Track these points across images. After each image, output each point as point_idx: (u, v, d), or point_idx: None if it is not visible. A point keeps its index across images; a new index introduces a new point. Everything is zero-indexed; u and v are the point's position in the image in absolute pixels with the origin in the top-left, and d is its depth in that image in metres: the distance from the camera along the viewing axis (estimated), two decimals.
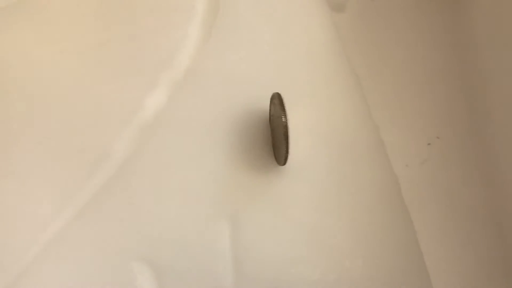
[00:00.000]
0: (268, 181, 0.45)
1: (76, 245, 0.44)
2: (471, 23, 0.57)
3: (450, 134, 0.55)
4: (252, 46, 0.50)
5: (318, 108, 0.47)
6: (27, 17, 0.52)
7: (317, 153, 0.46)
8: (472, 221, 0.51)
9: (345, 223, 0.44)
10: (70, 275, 0.43)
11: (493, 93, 0.54)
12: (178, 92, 0.49)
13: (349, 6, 0.63)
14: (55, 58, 0.50)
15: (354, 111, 0.49)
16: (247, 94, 0.48)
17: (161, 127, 0.48)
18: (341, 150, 0.46)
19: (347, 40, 0.57)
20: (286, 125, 0.41)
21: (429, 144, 0.55)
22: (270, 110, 0.46)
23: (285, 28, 0.51)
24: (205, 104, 0.48)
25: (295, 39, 0.51)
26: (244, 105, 0.48)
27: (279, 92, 0.44)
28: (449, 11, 0.59)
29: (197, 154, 0.46)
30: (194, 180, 0.45)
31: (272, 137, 0.46)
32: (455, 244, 0.50)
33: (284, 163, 0.42)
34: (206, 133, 0.47)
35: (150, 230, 0.44)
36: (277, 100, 0.43)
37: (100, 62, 0.50)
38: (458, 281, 0.48)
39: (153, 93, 0.49)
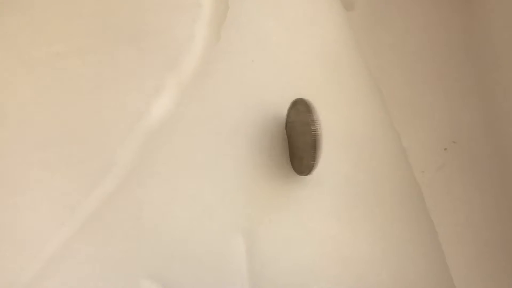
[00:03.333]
0: (286, 191, 0.42)
1: (79, 262, 0.41)
2: (488, 22, 0.55)
3: (467, 137, 0.53)
4: (264, 47, 0.47)
5: (336, 113, 0.45)
6: (21, 14, 0.49)
7: (337, 162, 0.43)
8: (491, 228, 0.50)
9: (368, 234, 0.42)
10: None
11: (510, 95, 0.52)
12: (186, 97, 0.46)
13: (358, 4, 0.60)
14: (52, 60, 0.47)
15: (374, 117, 0.46)
16: (260, 99, 0.45)
17: (168, 134, 0.44)
18: (362, 158, 0.44)
19: (358, 39, 0.54)
20: (316, 133, 0.38)
21: (445, 149, 0.53)
22: (288, 116, 0.43)
23: (299, 28, 0.48)
24: (215, 109, 0.45)
25: (309, 39, 0.48)
26: (257, 110, 0.45)
27: (296, 96, 0.41)
28: (464, 9, 0.57)
29: (208, 163, 0.43)
30: (206, 191, 0.43)
31: (290, 145, 0.43)
32: (477, 251, 0.48)
33: (309, 173, 0.40)
34: (217, 140, 0.44)
35: (160, 246, 0.41)
36: (302, 107, 0.40)
37: (100, 65, 0.46)
38: None
39: (159, 98, 0.46)
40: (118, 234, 0.42)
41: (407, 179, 0.45)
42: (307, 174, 0.40)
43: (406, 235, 0.43)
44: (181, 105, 0.45)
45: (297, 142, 0.41)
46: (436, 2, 0.59)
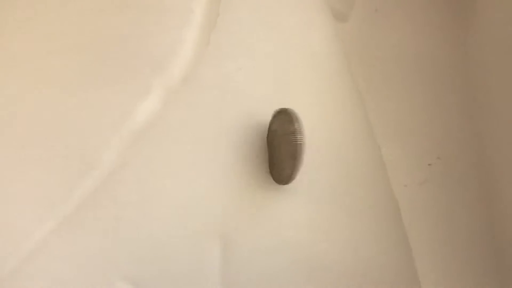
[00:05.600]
0: (264, 199, 0.43)
1: (56, 260, 0.41)
2: (481, 40, 0.55)
3: (452, 154, 0.53)
4: (253, 55, 0.48)
5: (319, 124, 0.45)
6: (12, 13, 0.49)
7: (316, 172, 0.44)
8: (471, 246, 0.50)
9: (344, 246, 0.42)
10: None
11: (500, 113, 0.52)
12: (172, 100, 0.46)
13: (352, 16, 0.61)
14: (43, 58, 0.47)
15: (357, 130, 0.47)
16: (244, 106, 0.46)
17: (153, 137, 0.45)
18: (342, 170, 0.44)
19: (348, 51, 0.55)
20: (297, 143, 0.39)
21: (429, 164, 0.53)
22: (271, 125, 0.43)
23: (288, 39, 0.49)
24: (200, 114, 0.46)
25: (297, 50, 0.48)
26: (241, 117, 0.45)
27: (281, 106, 0.42)
28: (457, 26, 0.57)
29: (190, 167, 0.44)
30: (185, 195, 0.43)
31: (270, 154, 0.44)
32: (452, 269, 0.48)
33: (288, 183, 0.41)
34: (200, 145, 0.45)
35: (137, 248, 0.41)
36: (286, 116, 0.41)
37: (90, 65, 0.47)
38: None
39: (146, 100, 0.46)
40: (96, 233, 0.42)
41: (385, 193, 0.46)
42: (286, 184, 0.41)
43: (381, 248, 0.43)
44: (166, 108, 0.46)
45: (278, 152, 0.42)
46: (429, 19, 0.59)
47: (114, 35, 0.48)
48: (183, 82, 0.47)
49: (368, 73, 0.55)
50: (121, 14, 0.48)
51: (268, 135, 0.44)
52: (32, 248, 0.42)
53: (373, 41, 0.58)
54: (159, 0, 0.49)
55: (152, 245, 0.42)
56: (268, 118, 0.44)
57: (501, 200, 0.50)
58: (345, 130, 0.46)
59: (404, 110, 0.54)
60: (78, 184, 0.43)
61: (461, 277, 0.48)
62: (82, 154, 0.44)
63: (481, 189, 0.52)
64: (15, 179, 0.44)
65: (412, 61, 0.56)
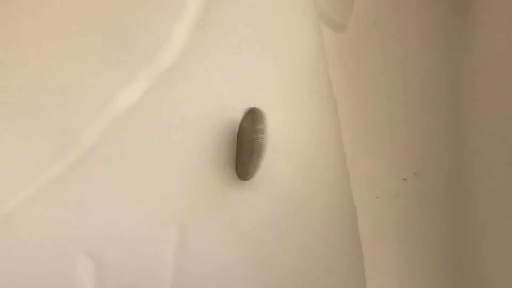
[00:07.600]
0: (225, 193, 0.44)
1: (23, 228, 0.44)
2: (475, 63, 0.54)
3: (429, 172, 0.53)
4: (235, 54, 0.49)
5: (287, 126, 0.47)
6: None
7: (279, 172, 0.45)
8: (434, 265, 0.50)
9: (296, 247, 0.43)
10: (10, 258, 0.43)
11: (484, 133, 0.51)
12: (153, 90, 0.48)
13: (350, 27, 0.61)
14: (40, 40, 0.50)
15: (324, 136, 0.47)
16: (220, 102, 0.47)
17: (131, 122, 0.47)
18: (304, 173, 0.45)
19: (339, 61, 0.55)
20: (259, 142, 0.42)
21: (405, 179, 0.53)
22: (242, 122, 0.45)
23: (272, 42, 0.50)
24: (177, 106, 0.48)
25: (280, 54, 0.50)
26: (216, 113, 0.47)
27: (256, 104, 0.44)
28: (452, 45, 0.57)
29: (160, 156, 0.46)
30: (153, 182, 0.45)
31: (238, 150, 0.45)
32: (410, 283, 0.48)
33: (249, 179, 0.42)
34: (173, 136, 0.47)
35: (99, 225, 0.44)
36: (255, 115, 0.43)
37: (80, 50, 0.49)
38: None
39: (129, 87, 0.48)
40: (64, 207, 0.44)
41: (345, 201, 0.46)
42: (245, 179, 0.43)
43: (332, 257, 0.44)
44: (147, 97, 0.48)
45: (242, 148, 0.43)
46: (427, 36, 0.58)
47: (107, 23, 0.50)
48: (166, 74, 0.49)
49: (355, 84, 0.56)
50: (116, 4, 0.51)
51: (238, 131, 0.46)
52: (2, 215, 0.44)
53: (366, 54, 0.58)
54: None
55: (114, 226, 0.44)
56: (241, 115, 0.45)
57: (473, 224, 0.50)
58: (313, 135, 0.47)
59: (384, 118, 0.54)
60: (54, 160, 0.46)
61: None
62: (62, 131, 0.47)
63: (453, 210, 0.52)
64: None
65: (401, 75, 0.56)
